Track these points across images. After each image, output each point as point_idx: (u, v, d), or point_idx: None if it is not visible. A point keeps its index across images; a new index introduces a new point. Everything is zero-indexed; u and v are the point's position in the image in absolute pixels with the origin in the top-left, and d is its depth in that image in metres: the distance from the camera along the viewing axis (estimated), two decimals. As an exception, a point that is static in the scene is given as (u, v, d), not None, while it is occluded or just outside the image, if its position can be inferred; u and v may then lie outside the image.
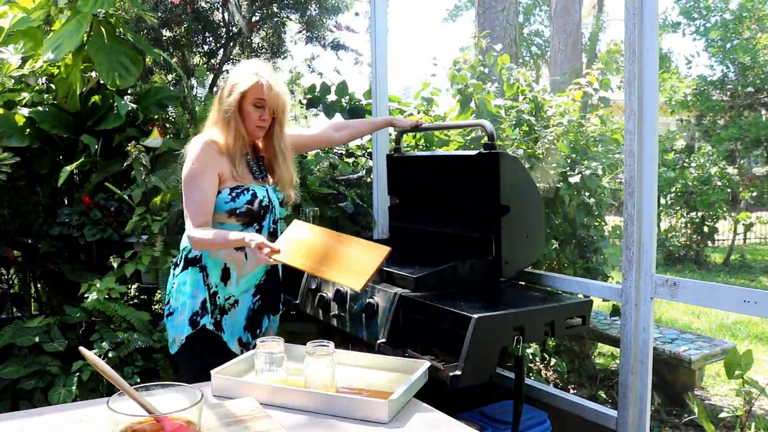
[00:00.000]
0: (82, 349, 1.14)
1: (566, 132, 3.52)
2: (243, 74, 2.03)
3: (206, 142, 2.01)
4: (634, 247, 2.04)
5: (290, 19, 4.36)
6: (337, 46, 4.49)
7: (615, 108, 4.17)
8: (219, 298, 2.07)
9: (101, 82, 3.10)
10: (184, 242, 2.07)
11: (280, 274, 2.26)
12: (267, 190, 2.12)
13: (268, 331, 2.25)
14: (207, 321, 2.02)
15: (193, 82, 4.18)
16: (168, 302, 2.10)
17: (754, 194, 9.37)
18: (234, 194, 2.02)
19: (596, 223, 3.65)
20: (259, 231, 2.09)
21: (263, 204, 2.08)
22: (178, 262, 2.10)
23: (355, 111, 3.90)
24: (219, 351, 2.01)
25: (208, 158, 2.00)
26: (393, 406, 1.29)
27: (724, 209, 8.67)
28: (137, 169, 2.88)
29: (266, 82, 2.02)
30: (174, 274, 2.10)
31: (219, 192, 2.01)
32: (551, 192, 3.47)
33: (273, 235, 2.14)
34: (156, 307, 3.38)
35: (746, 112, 10.08)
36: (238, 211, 2.03)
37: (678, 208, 8.88)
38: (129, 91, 3.43)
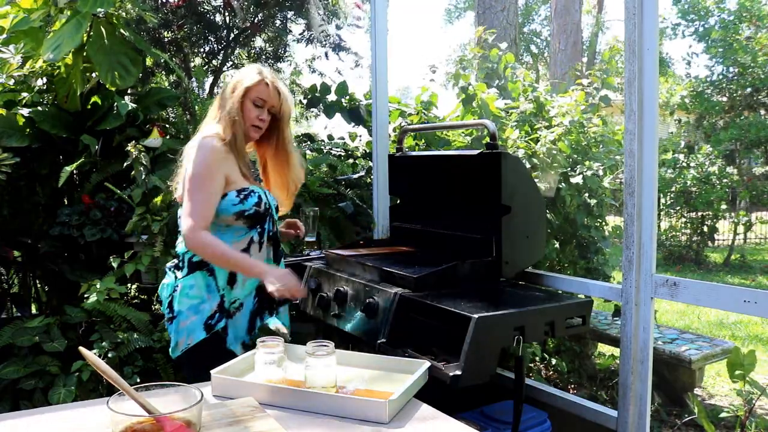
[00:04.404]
0: (82, 349, 1.14)
1: (568, 132, 3.53)
2: (247, 73, 2.06)
3: (213, 143, 1.97)
4: (634, 247, 2.04)
5: (293, 21, 4.36)
6: (337, 48, 4.49)
7: (615, 108, 4.17)
8: (226, 302, 2.05)
9: (101, 82, 3.10)
10: (183, 245, 2.04)
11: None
12: (266, 192, 2.12)
13: (278, 327, 2.19)
14: (221, 325, 2.02)
15: (194, 82, 4.18)
16: (169, 306, 2.06)
17: (754, 194, 9.37)
18: (242, 196, 2.00)
19: (597, 224, 3.65)
20: (261, 234, 2.08)
21: (267, 206, 2.08)
22: (180, 265, 2.06)
23: (355, 111, 3.90)
24: (223, 355, 1.97)
25: (217, 159, 1.96)
26: (393, 406, 1.29)
27: (724, 208, 8.68)
28: (137, 169, 2.88)
29: (270, 82, 2.04)
30: (175, 278, 2.07)
31: (225, 194, 1.99)
32: (552, 192, 3.47)
33: (273, 239, 2.14)
34: (156, 307, 3.38)
35: (745, 112, 10.07)
36: (246, 213, 2.01)
37: (678, 208, 8.89)
38: (129, 91, 3.43)
